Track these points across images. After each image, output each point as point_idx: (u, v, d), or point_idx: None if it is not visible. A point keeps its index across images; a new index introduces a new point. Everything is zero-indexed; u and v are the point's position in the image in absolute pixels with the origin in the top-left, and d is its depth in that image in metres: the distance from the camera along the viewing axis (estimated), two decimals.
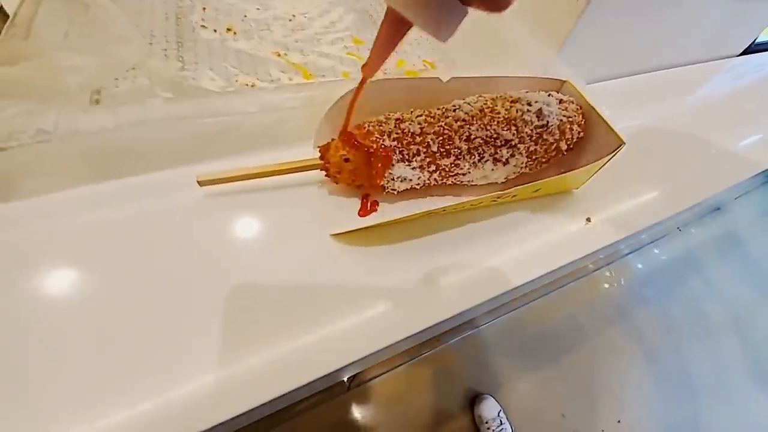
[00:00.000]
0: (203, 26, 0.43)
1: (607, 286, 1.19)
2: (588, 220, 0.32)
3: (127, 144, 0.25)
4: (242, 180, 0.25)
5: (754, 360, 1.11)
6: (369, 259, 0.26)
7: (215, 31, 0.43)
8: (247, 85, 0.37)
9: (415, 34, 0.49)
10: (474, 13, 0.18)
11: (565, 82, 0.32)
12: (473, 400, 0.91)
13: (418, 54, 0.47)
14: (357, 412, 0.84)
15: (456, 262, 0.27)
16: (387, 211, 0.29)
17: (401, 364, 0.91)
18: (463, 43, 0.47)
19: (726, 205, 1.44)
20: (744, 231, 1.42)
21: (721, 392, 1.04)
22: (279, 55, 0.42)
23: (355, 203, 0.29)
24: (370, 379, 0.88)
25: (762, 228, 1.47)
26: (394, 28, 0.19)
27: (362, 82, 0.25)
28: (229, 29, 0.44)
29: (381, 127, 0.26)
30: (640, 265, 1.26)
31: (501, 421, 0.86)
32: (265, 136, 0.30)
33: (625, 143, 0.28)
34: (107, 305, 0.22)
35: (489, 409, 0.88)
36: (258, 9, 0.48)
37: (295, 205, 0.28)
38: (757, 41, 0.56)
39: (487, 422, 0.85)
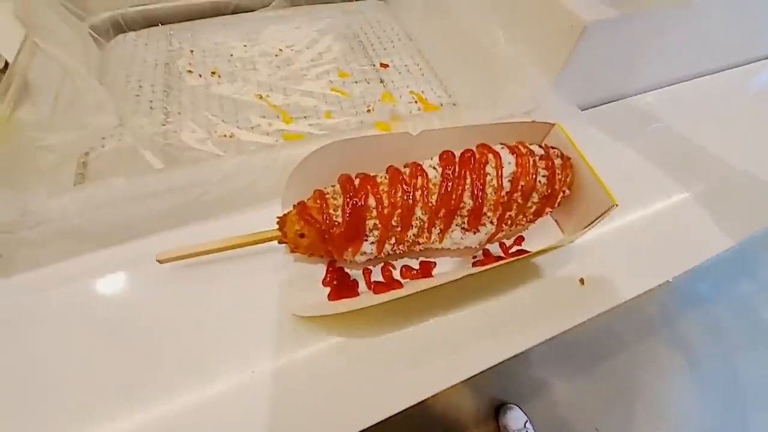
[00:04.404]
0: (189, 71, 0.44)
1: None
2: (581, 281, 0.29)
3: (89, 225, 0.26)
4: (202, 255, 0.25)
5: None
6: (336, 342, 0.25)
7: (200, 76, 0.43)
8: (225, 136, 0.37)
9: (402, 61, 0.47)
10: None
11: (553, 125, 0.29)
12: (498, 409, 0.88)
13: (407, 84, 0.44)
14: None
15: (431, 344, 0.26)
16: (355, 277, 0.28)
17: None
18: (456, 73, 0.44)
19: None
20: None
21: None
22: (261, 97, 0.41)
23: (322, 269, 0.28)
24: None
25: None
26: None
27: None
28: (213, 73, 0.44)
29: (336, 201, 0.24)
30: None
31: None
32: (233, 200, 0.29)
33: (617, 204, 0.24)
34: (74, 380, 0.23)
35: (515, 419, 0.85)
36: (245, 46, 0.48)
37: (256, 274, 0.27)
38: None
39: None
